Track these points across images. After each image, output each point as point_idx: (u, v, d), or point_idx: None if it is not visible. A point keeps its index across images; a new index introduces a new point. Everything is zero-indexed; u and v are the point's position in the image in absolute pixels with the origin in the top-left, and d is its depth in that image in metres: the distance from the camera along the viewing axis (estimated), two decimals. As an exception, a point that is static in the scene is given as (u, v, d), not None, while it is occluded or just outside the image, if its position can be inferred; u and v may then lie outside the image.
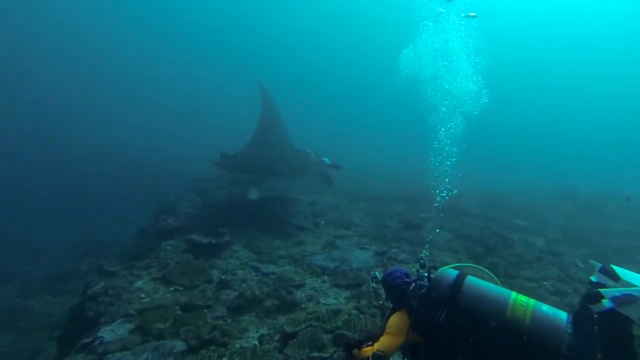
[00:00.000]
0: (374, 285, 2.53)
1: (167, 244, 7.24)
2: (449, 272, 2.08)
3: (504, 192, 15.11)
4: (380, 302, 2.56)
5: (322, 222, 8.35)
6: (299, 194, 10.84)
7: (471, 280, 1.98)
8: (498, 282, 2.25)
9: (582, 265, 6.69)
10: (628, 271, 2.21)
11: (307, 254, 6.70)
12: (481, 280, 2.02)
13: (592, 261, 3.29)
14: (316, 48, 54.45)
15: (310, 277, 5.79)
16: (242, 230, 7.94)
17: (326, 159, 9.29)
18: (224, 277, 5.79)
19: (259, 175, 10.65)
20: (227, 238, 6.90)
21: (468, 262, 6.55)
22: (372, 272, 2.86)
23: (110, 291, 4.51)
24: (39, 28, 41.62)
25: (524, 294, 1.98)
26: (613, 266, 2.24)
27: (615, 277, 2.24)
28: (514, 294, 1.88)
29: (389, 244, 6.85)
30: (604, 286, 2.28)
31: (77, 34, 44.53)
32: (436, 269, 2.20)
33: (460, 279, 1.99)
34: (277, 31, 49.94)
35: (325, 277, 5.72)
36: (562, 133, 49.21)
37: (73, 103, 47.24)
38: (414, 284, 2.23)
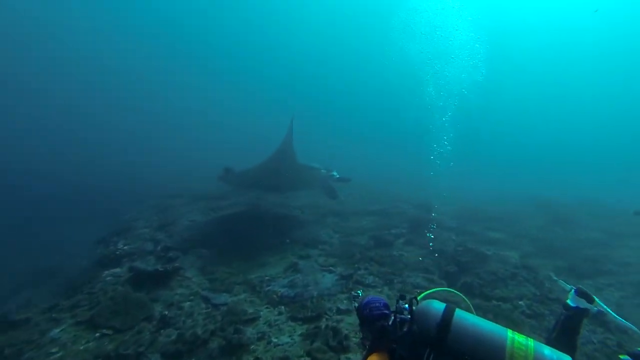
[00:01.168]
0: (356, 304, 2.14)
1: (109, 273, 6.42)
2: (435, 305, 1.74)
3: (479, 202, 15.04)
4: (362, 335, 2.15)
5: (288, 240, 7.76)
6: (266, 210, 10.20)
7: (460, 317, 1.67)
8: (473, 310, 2.02)
9: (556, 279, 6.48)
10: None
11: (266, 278, 6.08)
12: (470, 315, 1.72)
13: (560, 281, 3.03)
14: (312, 52, 54.13)
15: (266, 308, 5.17)
16: (198, 251, 7.23)
17: (335, 173, 9.39)
18: (166, 312, 5.08)
19: (265, 191, 10.80)
20: (177, 264, 6.18)
21: (441, 283, 6.13)
22: (354, 292, 2.49)
23: (6, 351, 3.63)
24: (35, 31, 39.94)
25: (502, 319, 1.67)
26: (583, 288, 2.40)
27: (591, 300, 2.38)
28: (509, 332, 1.59)
29: (356, 265, 6.32)
30: (585, 311, 2.38)
31: (76, 38, 43.09)
32: (417, 299, 1.87)
33: (448, 315, 1.67)
34: (271, 38, 49.60)
35: (283, 307, 5.12)
36: (539, 141, 50.87)
37: (73, 110, 45.74)
38: (393, 318, 1.87)
